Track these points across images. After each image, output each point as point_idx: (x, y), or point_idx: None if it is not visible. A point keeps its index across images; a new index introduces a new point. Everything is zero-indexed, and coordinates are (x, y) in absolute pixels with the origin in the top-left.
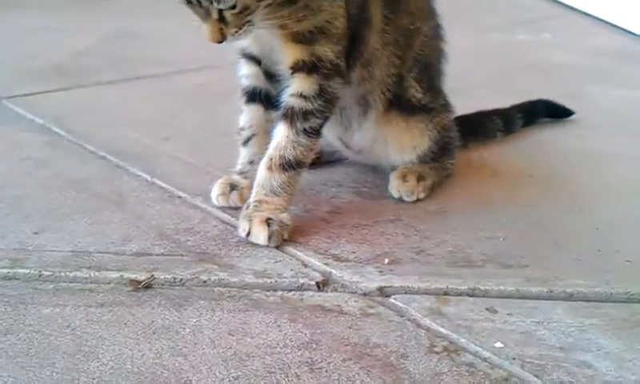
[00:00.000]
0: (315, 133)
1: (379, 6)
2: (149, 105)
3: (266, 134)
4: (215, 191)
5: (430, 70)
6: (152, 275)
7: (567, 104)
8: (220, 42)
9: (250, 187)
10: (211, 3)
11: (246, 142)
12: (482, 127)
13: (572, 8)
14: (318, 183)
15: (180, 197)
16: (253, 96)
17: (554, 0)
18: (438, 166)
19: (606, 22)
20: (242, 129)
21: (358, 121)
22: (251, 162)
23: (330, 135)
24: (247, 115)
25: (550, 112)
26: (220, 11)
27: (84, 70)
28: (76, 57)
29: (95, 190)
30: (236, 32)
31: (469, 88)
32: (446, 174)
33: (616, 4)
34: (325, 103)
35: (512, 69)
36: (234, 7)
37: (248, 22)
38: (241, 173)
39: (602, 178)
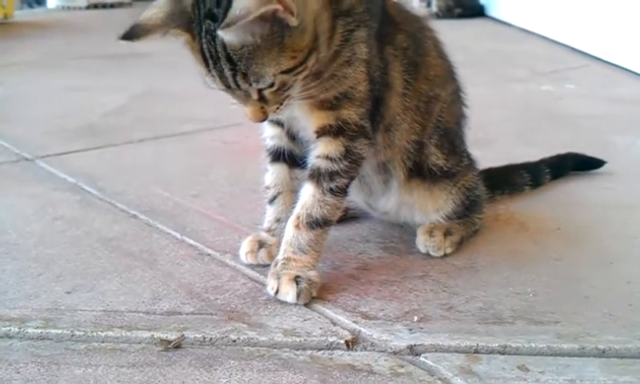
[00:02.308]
0: (341, 192)
1: (400, 71)
2: (178, 162)
3: (292, 191)
4: (244, 249)
5: (449, 134)
6: (182, 335)
7: (593, 155)
8: (263, 120)
9: (278, 245)
10: (250, 85)
11: (272, 200)
12: (509, 181)
13: (595, 58)
14: (345, 239)
15: (209, 254)
16: (277, 156)
17: (577, 50)
18: (465, 221)
19: (630, 71)
20: (268, 187)
21: (380, 188)
22: (278, 220)
23: (356, 198)
24: (272, 174)
25: (579, 165)
26: (259, 91)
27: (115, 129)
28: (107, 116)
29: (126, 249)
30: (277, 109)
31: (494, 139)
32: (474, 228)
33: (637, 52)
34: (350, 163)
35: (536, 119)
36: (272, 85)
37: (287, 97)
38: (268, 230)
39: (631, 231)
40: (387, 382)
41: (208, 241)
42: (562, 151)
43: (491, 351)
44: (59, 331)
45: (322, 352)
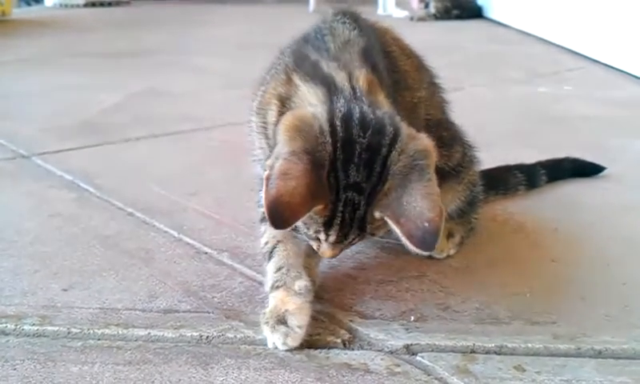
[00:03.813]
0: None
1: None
2: (175, 161)
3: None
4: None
5: (441, 125)
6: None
7: (590, 156)
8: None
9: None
10: (362, 239)
11: (271, 253)
12: (502, 181)
13: (593, 60)
14: None
15: (206, 253)
16: None
17: (575, 52)
18: (463, 222)
19: (627, 74)
20: (266, 243)
21: None
22: (279, 269)
23: None
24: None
25: (577, 171)
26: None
27: (112, 127)
28: (104, 114)
29: (123, 247)
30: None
31: (491, 141)
32: (470, 227)
33: (637, 55)
34: None
35: (534, 121)
36: None
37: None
38: (272, 287)
39: (628, 232)
40: (383, 381)
41: (205, 239)
42: (559, 153)
43: (487, 351)
44: (55, 328)
45: (318, 351)
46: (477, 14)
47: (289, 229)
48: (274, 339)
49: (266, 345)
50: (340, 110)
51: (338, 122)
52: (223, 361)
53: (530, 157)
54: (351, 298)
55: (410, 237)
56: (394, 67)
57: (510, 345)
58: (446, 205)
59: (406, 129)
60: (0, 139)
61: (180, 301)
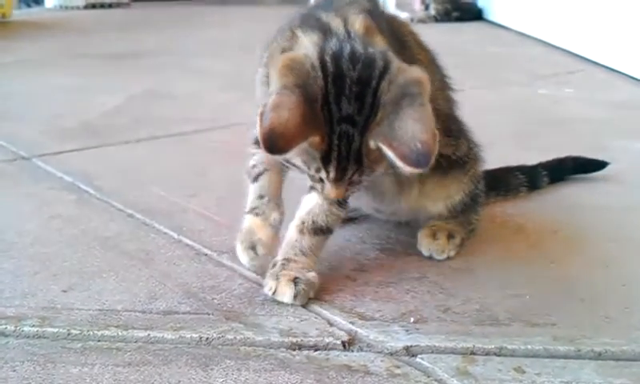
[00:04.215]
0: (346, 203)
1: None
2: (176, 162)
3: (278, 172)
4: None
5: (449, 119)
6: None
7: (591, 157)
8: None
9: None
10: (360, 177)
11: (256, 178)
12: (503, 182)
13: (593, 62)
14: (342, 240)
15: (206, 254)
16: None
17: (575, 54)
18: (464, 222)
19: (627, 76)
20: (254, 166)
21: (392, 191)
22: (261, 197)
23: (364, 206)
24: (258, 154)
25: (579, 168)
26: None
27: (113, 129)
28: (104, 116)
29: (123, 248)
30: (356, 190)
31: (491, 142)
32: (470, 229)
33: (637, 58)
34: None
35: (534, 123)
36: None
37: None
38: (251, 210)
39: (628, 233)
40: (383, 383)
41: (205, 241)
42: (560, 154)
43: (487, 353)
44: (55, 330)
45: (318, 352)
46: (477, 16)
47: (285, 154)
48: (243, 258)
49: (265, 346)
50: (331, 48)
51: (328, 59)
52: (223, 362)
53: (530, 158)
54: (351, 300)
55: (403, 158)
56: (406, 53)
57: (509, 346)
58: (450, 197)
59: (397, 62)
60: (0, 141)
61: (180, 302)
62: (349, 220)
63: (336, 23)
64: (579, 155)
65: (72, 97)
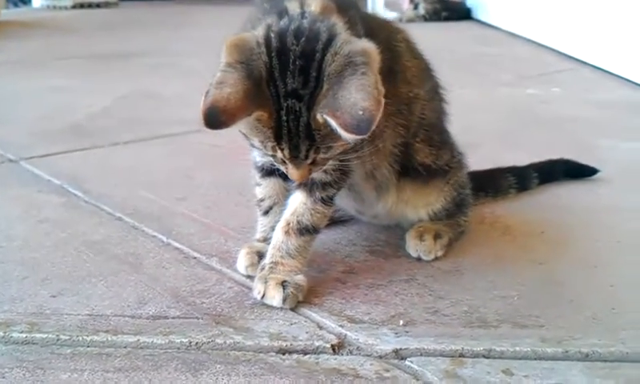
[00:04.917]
0: (330, 201)
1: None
2: (164, 165)
3: (285, 201)
4: (243, 262)
5: (434, 130)
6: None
7: (579, 158)
8: (306, 179)
9: None
10: (317, 156)
11: (267, 212)
12: (493, 183)
13: (581, 61)
14: (332, 242)
15: (195, 258)
16: (269, 172)
17: (563, 54)
18: (452, 223)
19: (616, 75)
20: (262, 200)
21: (373, 195)
22: (273, 229)
23: (344, 205)
24: (266, 187)
25: (570, 172)
26: (316, 157)
27: (100, 131)
28: (92, 117)
29: (112, 252)
30: (321, 168)
31: (479, 143)
32: (460, 230)
33: (625, 57)
34: (341, 175)
35: (522, 123)
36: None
37: (330, 159)
38: (265, 240)
39: (615, 234)
40: None
41: (194, 244)
42: (548, 155)
43: (476, 355)
44: (44, 335)
45: (308, 356)
46: (466, 15)
47: (227, 127)
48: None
49: (255, 351)
50: (278, 26)
51: (272, 35)
52: (213, 367)
53: (518, 158)
54: (340, 303)
55: (345, 126)
56: (395, 60)
57: (498, 348)
58: (431, 204)
59: (343, 34)
60: None
61: (169, 307)
62: (338, 222)
63: (293, 6)
64: (570, 159)
65: (59, 98)
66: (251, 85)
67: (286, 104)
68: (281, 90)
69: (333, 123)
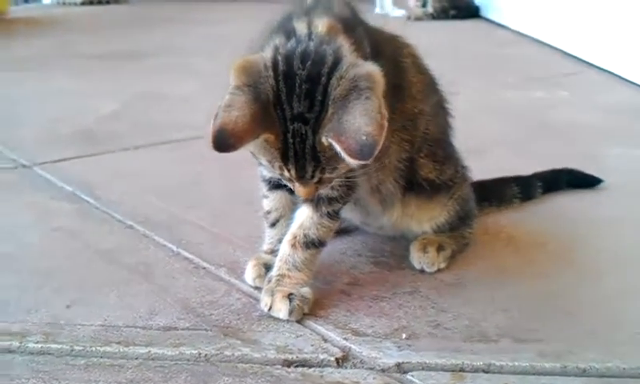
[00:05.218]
0: (336, 215)
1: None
2: (174, 171)
3: (292, 213)
4: (251, 274)
5: (438, 145)
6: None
7: (585, 167)
8: (313, 196)
9: None
10: (323, 175)
11: (274, 224)
12: (497, 193)
13: (589, 64)
14: (338, 253)
15: (204, 268)
16: (276, 185)
17: (571, 55)
18: (456, 235)
19: (623, 79)
20: (269, 212)
21: (378, 209)
22: (280, 241)
23: (351, 217)
24: (273, 200)
25: (574, 182)
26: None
27: (111, 135)
28: (102, 121)
29: (123, 261)
30: (326, 187)
31: (484, 148)
32: (464, 242)
33: (630, 60)
34: (347, 190)
35: (528, 128)
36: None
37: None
38: (272, 252)
39: (619, 246)
40: None
41: (203, 254)
42: (553, 163)
43: (476, 370)
44: (59, 346)
45: (312, 369)
46: (474, 13)
47: (235, 151)
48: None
49: (262, 363)
50: (286, 49)
51: (279, 58)
52: (221, 380)
53: (523, 166)
54: (345, 315)
55: (349, 151)
56: (401, 76)
57: (497, 363)
58: (434, 218)
59: (350, 58)
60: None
61: (179, 318)
62: (344, 232)
63: (301, 26)
64: (574, 168)
65: (69, 100)
66: (259, 108)
67: (292, 127)
68: (287, 114)
69: (337, 147)
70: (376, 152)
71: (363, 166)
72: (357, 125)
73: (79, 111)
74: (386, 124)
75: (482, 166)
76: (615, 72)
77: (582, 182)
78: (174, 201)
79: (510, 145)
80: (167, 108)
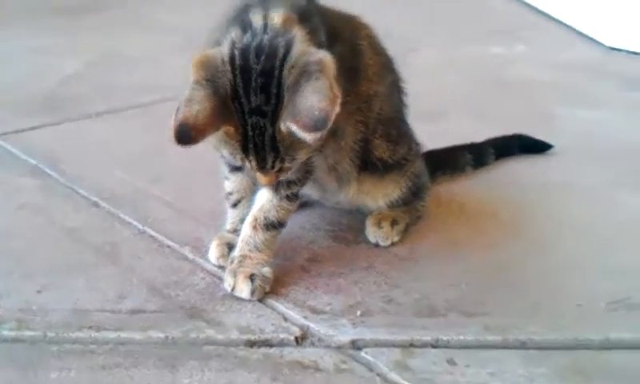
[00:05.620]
0: (295, 197)
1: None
2: (138, 139)
3: (253, 194)
4: (215, 253)
5: (392, 124)
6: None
7: (538, 128)
8: (273, 183)
9: None
10: (283, 164)
11: (235, 205)
12: (450, 161)
13: (548, 16)
14: (297, 227)
15: (169, 246)
16: (238, 168)
17: (533, 7)
18: (410, 209)
19: (580, 33)
20: (231, 193)
21: (334, 186)
22: (242, 221)
23: (310, 193)
24: (234, 182)
25: (524, 148)
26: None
27: (73, 100)
28: (64, 84)
29: (89, 241)
30: (288, 173)
31: (441, 110)
32: (417, 215)
33: (589, 15)
34: (305, 173)
35: (486, 87)
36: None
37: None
38: (234, 231)
39: (565, 213)
40: (331, 379)
41: (168, 231)
42: (508, 124)
43: (424, 345)
44: (33, 333)
45: (273, 349)
46: None
47: (197, 144)
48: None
49: (226, 345)
50: (242, 42)
51: (236, 53)
52: (188, 363)
53: (478, 128)
54: (304, 293)
55: (304, 127)
56: (357, 59)
57: (444, 338)
58: (388, 194)
59: (300, 46)
60: None
61: (146, 300)
62: (304, 205)
63: (257, 19)
64: (525, 134)
65: (29, 60)
66: (218, 102)
67: (250, 120)
68: (245, 107)
69: (294, 128)
70: (329, 123)
71: (322, 150)
72: (309, 103)
73: (39, 73)
74: (338, 99)
75: (438, 131)
76: (575, 27)
77: (533, 147)
78: (139, 174)
79: (465, 106)
80: (132, 69)
